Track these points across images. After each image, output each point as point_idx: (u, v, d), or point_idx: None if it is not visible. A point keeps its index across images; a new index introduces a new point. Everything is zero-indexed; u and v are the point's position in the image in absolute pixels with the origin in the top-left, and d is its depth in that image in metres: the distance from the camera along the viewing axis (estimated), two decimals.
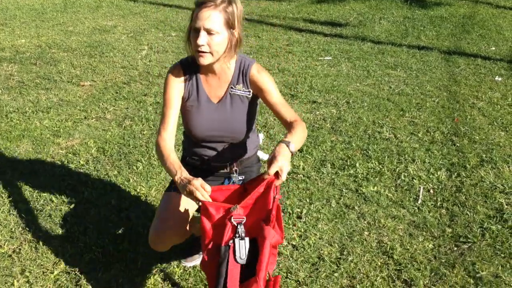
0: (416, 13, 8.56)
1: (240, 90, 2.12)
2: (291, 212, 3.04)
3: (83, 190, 3.28)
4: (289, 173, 3.46)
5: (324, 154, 3.75)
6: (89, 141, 3.96)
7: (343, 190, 3.29)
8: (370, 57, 6.17)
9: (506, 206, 3.09)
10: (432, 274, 2.54)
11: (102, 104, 4.73)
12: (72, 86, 5.22)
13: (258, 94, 2.14)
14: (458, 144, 3.88)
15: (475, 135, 4.04)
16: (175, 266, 2.57)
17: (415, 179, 3.40)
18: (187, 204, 2.19)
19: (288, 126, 2.05)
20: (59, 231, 2.88)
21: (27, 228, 2.90)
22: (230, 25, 1.96)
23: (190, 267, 2.58)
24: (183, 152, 2.43)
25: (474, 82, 5.26)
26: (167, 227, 2.12)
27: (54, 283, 2.48)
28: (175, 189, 2.24)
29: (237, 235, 1.72)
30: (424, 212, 3.04)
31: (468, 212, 3.04)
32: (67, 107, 4.67)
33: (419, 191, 3.27)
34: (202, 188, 1.74)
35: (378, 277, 2.52)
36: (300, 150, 3.77)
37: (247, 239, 1.72)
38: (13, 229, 2.89)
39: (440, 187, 3.32)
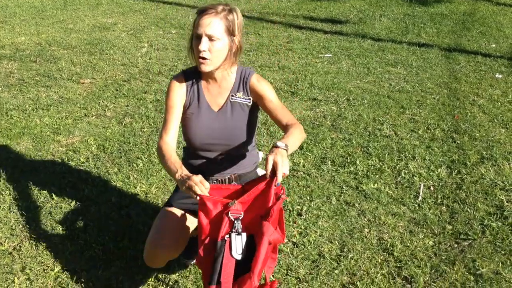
0: (417, 10, 8.55)
1: (240, 98, 2.15)
2: (291, 209, 3.04)
3: (84, 187, 3.28)
4: (289, 170, 3.46)
5: (324, 152, 3.74)
6: (89, 139, 3.96)
7: (344, 187, 3.28)
8: (370, 54, 6.16)
9: (506, 203, 3.09)
10: (433, 271, 2.54)
11: (102, 101, 4.73)
12: (72, 84, 5.21)
13: (257, 101, 2.16)
14: (458, 141, 3.88)
15: (476, 132, 4.04)
16: (176, 264, 2.57)
17: (416, 176, 3.40)
18: (184, 223, 2.18)
19: (284, 128, 2.06)
20: (60, 228, 2.88)
21: (28, 226, 2.90)
22: (230, 32, 2.01)
23: (191, 264, 2.58)
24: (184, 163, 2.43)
25: (474, 79, 5.25)
26: (163, 246, 2.10)
27: (55, 280, 2.48)
28: (173, 205, 2.25)
29: (233, 230, 1.71)
30: (424, 209, 3.04)
31: (468, 209, 3.04)
32: (67, 104, 4.67)
33: (419, 188, 3.27)
34: (201, 184, 1.74)
35: (379, 274, 2.52)
36: (301, 148, 3.77)
37: (244, 234, 1.72)
38: (14, 227, 2.89)
39: (440, 184, 3.32)
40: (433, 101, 4.69)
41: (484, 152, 3.71)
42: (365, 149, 3.78)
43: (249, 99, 2.15)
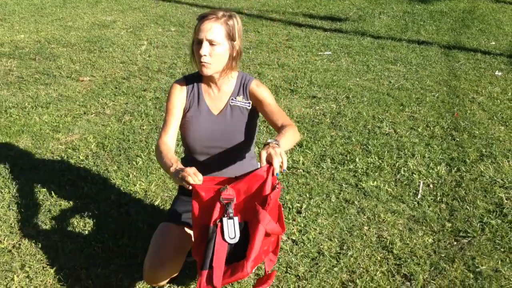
0: (416, 8, 8.54)
1: (240, 102, 2.18)
2: (291, 207, 3.04)
3: (83, 185, 3.28)
4: (288, 168, 3.46)
5: (324, 149, 3.74)
6: (89, 136, 3.96)
7: (343, 185, 3.28)
8: (370, 52, 6.16)
9: (506, 201, 3.09)
10: (432, 268, 2.54)
11: (102, 99, 4.73)
12: (72, 81, 5.21)
13: (256, 105, 2.19)
14: (458, 139, 3.88)
15: (475, 129, 4.03)
16: None
17: (415, 174, 3.40)
18: (184, 240, 2.16)
19: (279, 129, 2.06)
20: (59, 226, 2.88)
21: (27, 224, 2.90)
22: (230, 37, 2.05)
23: (191, 260, 2.57)
24: None
25: (474, 77, 5.25)
26: (163, 267, 2.07)
27: (54, 278, 2.48)
28: (172, 219, 2.21)
29: (225, 214, 1.71)
30: (423, 207, 3.05)
31: (467, 207, 3.04)
32: (66, 102, 4.67)
33: (418, 185, 3.27)
34: (195, 175, 1.75)
35: (378, 272, 2.52)
36: (300, 145, 3.77)
37: (236, 218, 1.71)
38: (13, 224, 2.89)
39: (439, 181, 3.32)
40: (433, 99, 4.69)
41: (484, 150, 3.71)
42: (364, 146, 3.78)
43: (249, 102, 2.18)
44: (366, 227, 2.87)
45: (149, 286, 2.41)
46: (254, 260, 1.65)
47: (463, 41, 6.59)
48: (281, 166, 1.72)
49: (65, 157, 3.66)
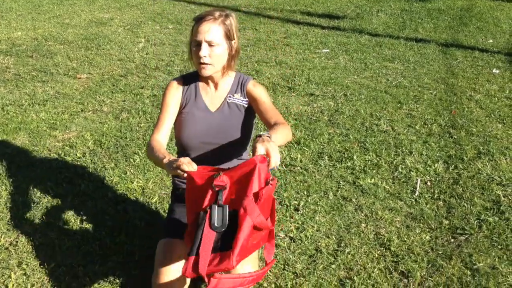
0: (414, 6, 8.54)
1: (238, 99, 2.18)
2: (288, 204, 3.04)
3: (80, 182, 3.28)
4: (286, 165, 3.46)
5: (321, 147, 3.74)
6: (86, 134, 3.95)
7: (341, 182, 3.28)
8: (367, 50, 6.16)
9: (503, 198, 3.10)
10: (429, 265, 2.55)
11: (99, 96, 4.72)
12: (69, 79, 5.19)
13: (252, 104, 2.19)
14: (455, 137, 3.89)
15: (473, 127, 4.04)
16: None
17: (413, 171, 3.40)
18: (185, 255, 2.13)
19: (271, 126, 2.05)
20: (56, 223, 2.88)
21: (24, 221, 2.89)
22: (228, 37, 2.06)
23: None
24: (172, 177, 2.39)
25: (471, 75, 5.25)
26: (172, 286, 2.03)
27: (51, 275, 2.48)
28: (171, 234, 2.15)
29: (216, 201, 1.69)
30: (421, 204, 3.05)
31: (465, 204, 3.04)
32: (63, 99, 4.65)
33: (416, 183, 3.27)
34: (189, 164, 1.75)
35: (375, 269, 2.52)
36: (298, 143, 3.77)
37: (226, 206, 1.69)
38: (10, 222, 2.88)
39: (437, 179, 3.32)
40: (430, 96, 4.69)
41: (481, 147, 3.71)
42: (362, 144, 3.78)
43: (246, 100, 2.19)
44: (363, 225, 2.87)
45: (145, 285, 2.40)
46: (240, 252, 1.63)
47: (460, 39, 6.59)
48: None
49: (62, 154, 3.65)
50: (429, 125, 4.08)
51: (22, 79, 5.18)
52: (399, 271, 2.51)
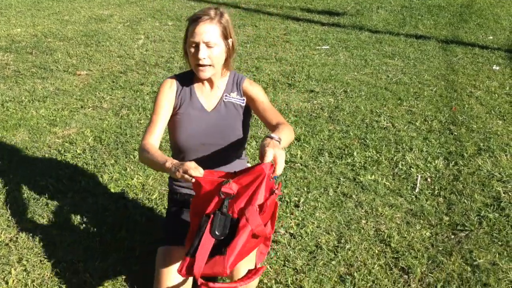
0: (414, 2, 8.52)
1: (234, 98, 2.15)
2: (288, 200, 3.04)
3: (80, 179, 3.27)
4: (286, 162, 3.46)
5: (321, 143, 3.74)
6: (86, 130, 3.95)
7: (341, 179, 3.28)
8: (367, 46, 6.15)
9: (503, 195, 3.10)
10: (429, 262, 2.55)
11: (99, 93, 4.71)
12: (69, 75, 5.19)
13: (249, 103, 2.16)
14: (455, 133, 3.88)
15: (473, 124, 4.04)
16: None
17: (413, 168, 3.40)
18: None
19: (274, 127, 2.02)
20: (56, 220, 2.88)
21: (24, 217, 2.89)
22: (225, 36, 2.02)
23: None
24: (169, 181, 2.37)
25: (471, 71, 5.25)
26: None
27: (51, 271, 2.48)
28: (170, 241, 2.14)
29: (220, 209, 1.67)
30: (421, 201, 3.05)
31: (465, 201, 3.04)
32: (63, 96, 4.65)
33: (416, 179, 3.27)
34: (196, 169, 1.73)
35: (376, 265, 2.52)
36: (298, 139, 3.77)
37: (229, 216, 1.66)
38: (10, 218, 2.88)
39: (437, 175, 3.32)
40: (431, 93, 4.68)
41: (481, 144, 3.71)
42: (362, 140, 3.78)
43: (243, 99, 2.16)
44: (364, 221, 2.87)
45: (146, 280, 2.41)
46: (234, 260, 1.63)
47: (461, 35, 6.58)
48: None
49: (62, 151, 3.64)
50: (429, 122, 4.08)
51: (22, 75, 5.17)
52: (399, 267, 2.52)
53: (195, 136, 2.11)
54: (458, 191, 3.14)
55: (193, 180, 1.73)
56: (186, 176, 1.72)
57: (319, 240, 2.70)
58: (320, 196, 3.09)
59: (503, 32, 6.74)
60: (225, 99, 2.14)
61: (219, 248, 1.66)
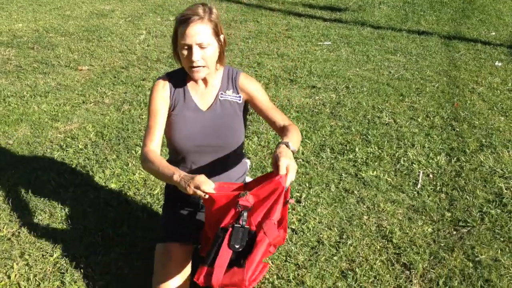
0: None
1: (230, 96, 2.10)
2: (290, 196, 3.04)
3: (82, 174, 3.28)
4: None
5: (323, 139, 3.74)
6: (88, 126, 3.94)
7: (343, 174, 3.28)
8: (369, 42, 6.13)
9: (505, 191, 3.10)
10: (431, 257, 2.55)
11: (101, 88, 4.71)
12: (70, 71, 5.18)
13: (248, 100, 2.13)
14: (457, 129, 3.88)
15: (475, 120, 4.03)
16: None
17: (415, 164, 3.39)
18: (185, 257, 2.12)
19: (282, 129, 2.01)
20: (58, 214, 2.88)
21: (26, 212, 2.90)
22: (217, 33, 1.98)
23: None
24: (166, 185, 2.36)
25: (474, 67, 5.24)
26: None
27: (54, 266, 2.48)
28: (169, 238, 2.15)
29: (238, 221, 1.67)
30: (423, 197, 3.05)
31: (467, 197, 3.04)
32: (65, 91, 4.65)
33: (418, 175, 3.27)
34: (207, 183, 1.70)
35: (377, 261, 2.52)
36: None
37: (247, 229, 1.67)
38: (12, 213, 2.89)
39: (439, 171, 3.32)
40: (433, 89, 4.67)
41: (484, 140, 3.70)
42: (364, 136, 3.77)
43: (240, 96, 2.11)
44: (365, 217, 2.87)
45: (147, 276, 2.41)
46: (253, 272, 1.64)
47: (463, 31, 6.56)
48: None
49: (64, 146, 3.64)
50: (432, 118, 4.07)
51: (24, 70, 5.17)
52: (401, 263, 2.52)
53: (190, 137, 2.07)
54: (460, 187, 3.14)
55: (207, 196, 1.70)
56: (199, 192, 1.69)
57: (321, 235, 2.71)
58: (322, 192, 3.09)
59: (506, 28, 6.72)
60: (221, 97, 2.10)
61: (237, 260, 1.66)
